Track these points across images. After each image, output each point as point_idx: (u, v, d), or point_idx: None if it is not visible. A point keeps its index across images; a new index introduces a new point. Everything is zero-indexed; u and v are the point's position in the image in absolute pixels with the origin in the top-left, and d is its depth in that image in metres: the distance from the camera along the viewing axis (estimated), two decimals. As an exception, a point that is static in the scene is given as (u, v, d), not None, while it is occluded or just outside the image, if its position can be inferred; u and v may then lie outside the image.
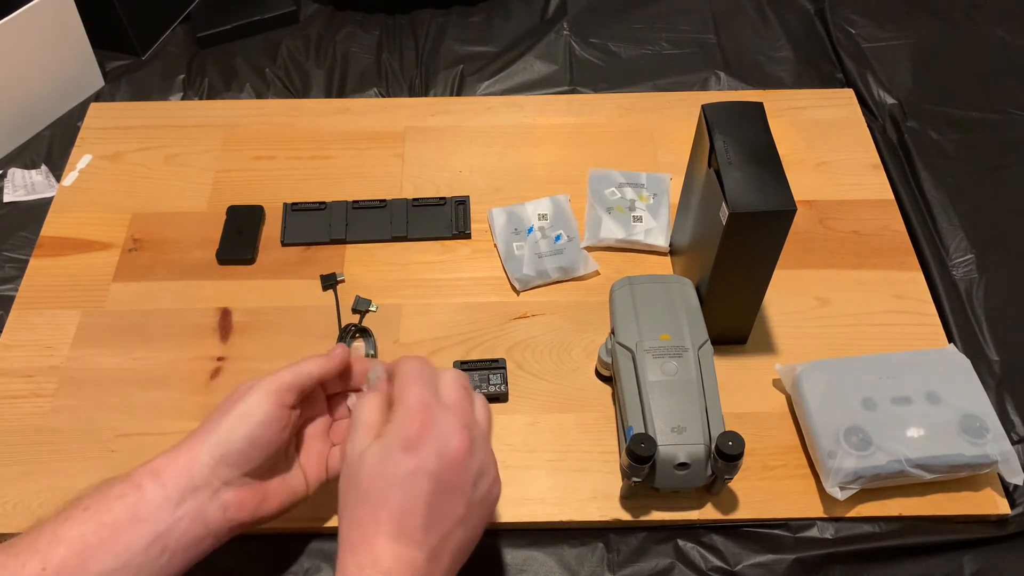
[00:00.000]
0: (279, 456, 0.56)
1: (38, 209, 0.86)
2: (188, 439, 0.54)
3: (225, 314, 0.77)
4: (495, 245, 0.82)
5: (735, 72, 1.00)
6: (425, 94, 0.98)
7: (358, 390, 0.61)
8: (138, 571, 0.50)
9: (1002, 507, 0.66)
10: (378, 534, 0.47)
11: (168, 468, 0.52)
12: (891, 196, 0.86)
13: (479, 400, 0.55)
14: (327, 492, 0.65)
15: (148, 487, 0.51)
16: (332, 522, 0.65)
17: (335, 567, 0.49)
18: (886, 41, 1.02)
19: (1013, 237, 0.84)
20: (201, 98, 0.97)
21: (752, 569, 0.64)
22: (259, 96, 0.98)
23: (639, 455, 0.59)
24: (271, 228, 0.83)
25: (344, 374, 0.60)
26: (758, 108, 0.67)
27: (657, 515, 0.66)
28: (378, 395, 0.54)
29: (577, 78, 0.99)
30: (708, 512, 0.66)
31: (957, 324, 0.77)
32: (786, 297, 0.78)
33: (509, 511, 0.66)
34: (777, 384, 0.73)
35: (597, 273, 0.80)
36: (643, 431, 0.61)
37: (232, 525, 0.54)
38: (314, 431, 0.60)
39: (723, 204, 0.62)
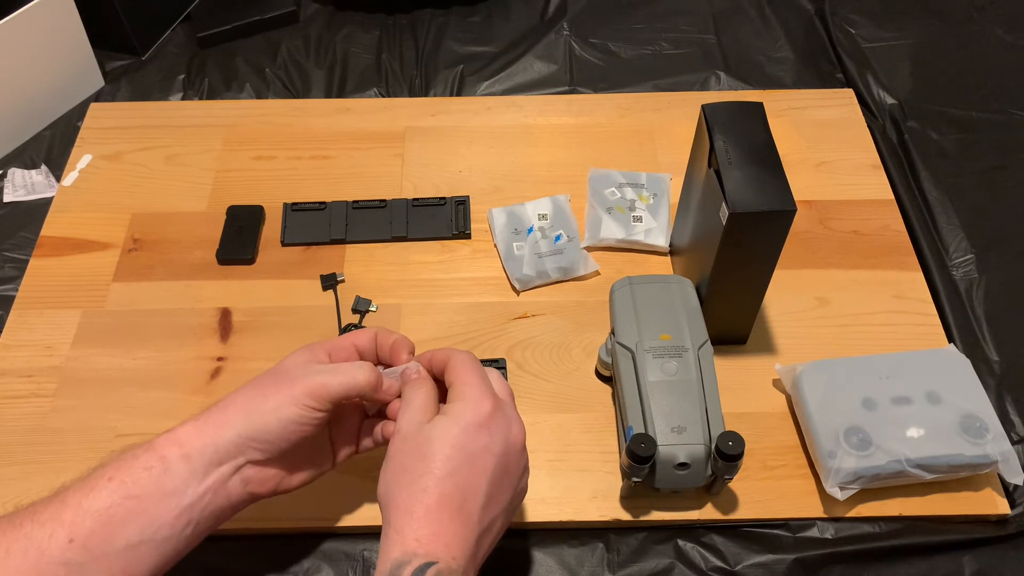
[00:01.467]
0: (310, 440, 0.56)
1: (38, 209, 0.86)
2: (217, 411, 0.53)
3: (225, 314, 0.77)
4: (495, 245, 0.82)
5: (735, 72, 1.00)
6: (425, 94, 0.98)
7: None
8: (164, 543, 0.50)
9: (1002, 507, 0.66)
10: (443, 506, 0.48)
11: (193, 440, 0.52)
12: (891, 196, 0.86)
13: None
14: (327, 492, 0.66)
15: (174, 460, 0.51)
16: (333, 522, 0.65)
17: (386, 533, 0.49)
18: (886, 41, 1.02)
19: (1013, 237, 0.84)
20: (201, 98, 0.97)
21: (752, 569, 0.64)
22: (259, 96, 0.98)
23: (639, 455, 0.59)
24: (271, 228, 0.83)
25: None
26: (758, 108, 0.67)
27: (657, 515, 0.66)
28: (430, 382, 0.56)
29: (577, 78, 0.99)
30: (708, 512, 0.66)
31: (957, 324, 0.77)
32: (786, 297, 0.78)
33: (509, 511, 0.66)
34: (777, 384, 0.73)
35: (597, 273, 0.80)
36: (643, 431, 0.61)
37: (253, 498, 0.55)
38: (349, 406, 0.60)
39: (723, 204, 0.62)
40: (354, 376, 0.54)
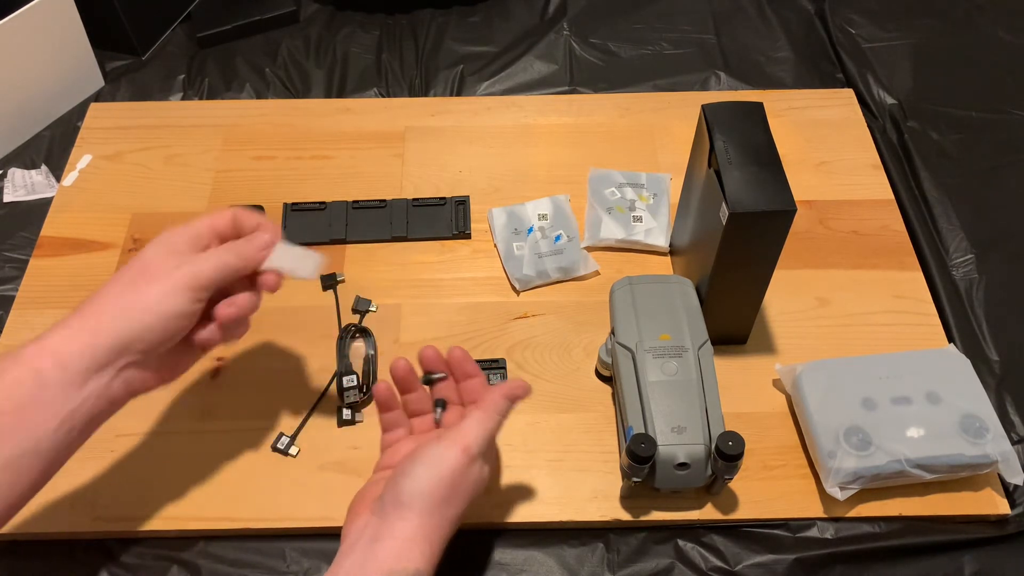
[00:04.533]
0: (186, 334, 0.56)
1: (38, 209, 0.86)
2: (90, 315, 0.52)
3: (225, 314, 0.77)
4: (495, 245, 0.82)
5: (735, 72, 1.00)
6: (425, 94, 0.98)
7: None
8: (46, 453, 0.51)
9: (1002, 507, 0.66)
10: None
11: (67, 347, 0.51)
12: (891, 196, 0.86)
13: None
14: (328, 493, 0.66)
15: (48, 370, 0.50)
16: (333, 522, 0.65)
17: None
18: (886, 41, 1.02)
19: (1013, 237, 0.84)
20: (201, 98, 0.97)
21: (752, 569, 0.64)
22: (259, 96, 0.98)
23: (639, 455, 0.59)
24: (271, 228, 0.83)
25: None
26: (758, 108, 0.67)
27: (657, 515, 0.66)
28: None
29: (577, 78, 0.99)
30: (708, 512, 0.66)
31: (957, 324, 0.77)
32: (786, 297, 0.78)
33: (509, 511, 0.66)
34: (777, 384, 0.73)
35: (597, 273, 0.80)
36: (643, 431, 0.61)
37: (134, 395, 0.55)
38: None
39: (723, 204, 0.62)
40: (224, 259, 0.55)
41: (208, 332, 0.57)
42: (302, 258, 0.60)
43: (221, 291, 0.57)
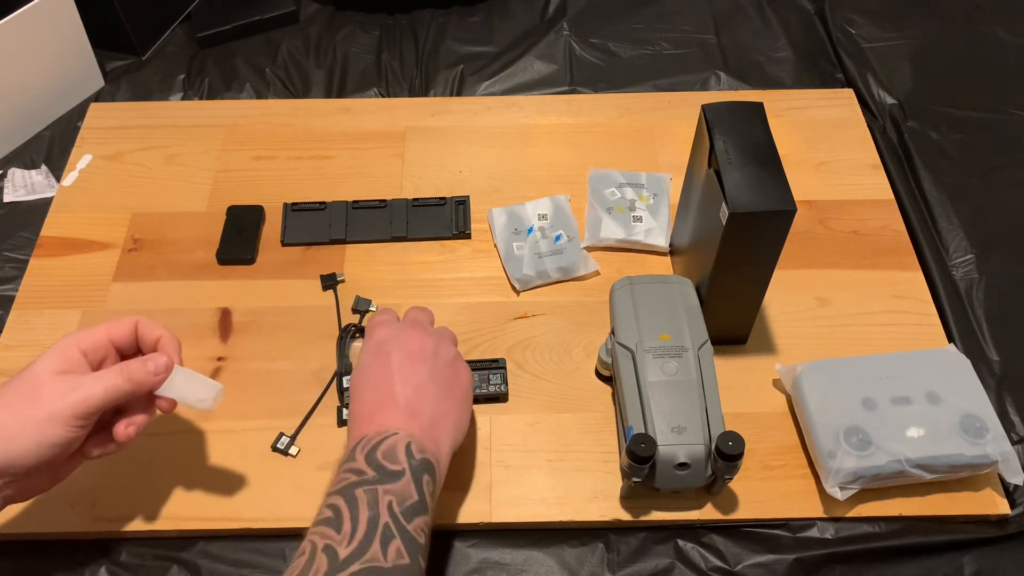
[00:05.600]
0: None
1: (38, 209, 0.86)
2: None
3: (225, 314, 0.77)
4: (495, 245, 0.82)
5: (735, 72, 1.00)
6: (425, 94, 0.98)
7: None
8: None
9: (1002, 507, 0.66)
10: (367, 403, 0.57)
11: None
12: (891, 196, 0.86)
13: (445, 330, 0.65)
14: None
15: None
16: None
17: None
18: (886, 41, 1.02)
19: (1013, 237, 0.84)
20: (201, 98, 0.97)
21: (752, 569, 0.64)
22: (259, 96, 0.98)
23: (639, 455, 0.59)
24: (271, 228, 0.83)
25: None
26: (758, 108, 0.67)
27: (657, 515, 0.66)
28: None
29: (577, 78, 0.99)
30: (708, 512, 0.66)
31: (957, 324, 0.77)
32: (786, 297, 0.78)
33: (509, 511, 0.66)
34: (777, 384, 0.73)
35: (597, 273, 0.80)
36: (643, 431, 0.61)
37: (9, 503, 0.55)
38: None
39: (723, 204, 0.62)
40: (116, 383, 0.54)
41: (100, 448, 0.58)
42: (201, 386, 0.59)
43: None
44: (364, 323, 0.76)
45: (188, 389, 0.58)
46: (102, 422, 0.57)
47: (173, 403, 0.59)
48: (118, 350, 0.58)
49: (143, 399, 0.58)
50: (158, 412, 0.59)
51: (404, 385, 0.57)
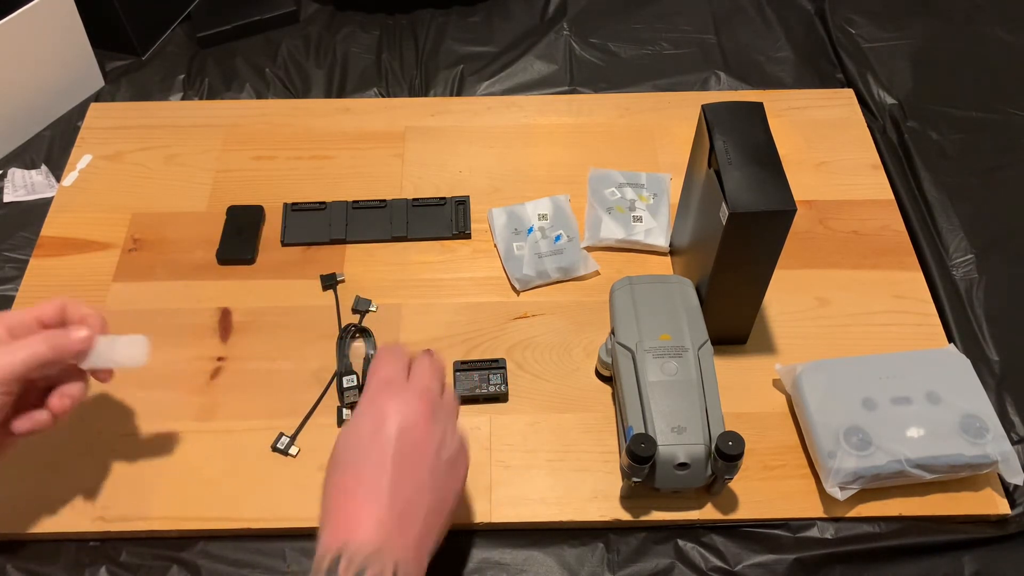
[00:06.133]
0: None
1: (38, 209, 0.86)
2: None
3: (225, 314, 0.77)
4: (495, 245, 0.82)
5: (735, 72, 1.00)
6: (425, 94, 0.98)
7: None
8: None
9: (1002, 507, 0.66)
10: (356, 494, 0.51)
11: None
12: (891, 196, 0.86)
13: (449, 389, 0.58)
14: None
15: None
16: (332, 522, 0.65)
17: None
18: (886, 41, 1.02)
19: (1013, 237, 0.84)
20: (201, 98, 0.97)
21: (752, 569, 0.64)
22: (259, 96, 0.98)
23: (639, 455, 0.59)
24: (271, 228, 0.83)
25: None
26: (758, 108, 0.67)
27: (657, 515, 0.66)
28: None
29: (577, 78, 0.99)
30: (708, 512, 0.66)
31: (957, 324, 0.77)
32: (786, 297, 0.78)
33: (509, 511, 0.66)
34: (777, 384, 0.73)
35: (597, 273, 0.80)
36: (643, 431, 0.61)
37: None
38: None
39: (723, 204, 0.62)
40: (37, 350, 0.54)
41: (31, 423, 0.57)
42: (126, 346, 0.59)
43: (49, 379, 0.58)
44: (364, 323, 0.76)
45: (117, 352, 0.59)
46: (29, 399, 0.57)
47: (110, 371, 0.60)
48: (45, 327, 0.58)
49: (75, 373, 0.59)
50: (94, 382, 0.59)
51: (400, 486, 0.51)
